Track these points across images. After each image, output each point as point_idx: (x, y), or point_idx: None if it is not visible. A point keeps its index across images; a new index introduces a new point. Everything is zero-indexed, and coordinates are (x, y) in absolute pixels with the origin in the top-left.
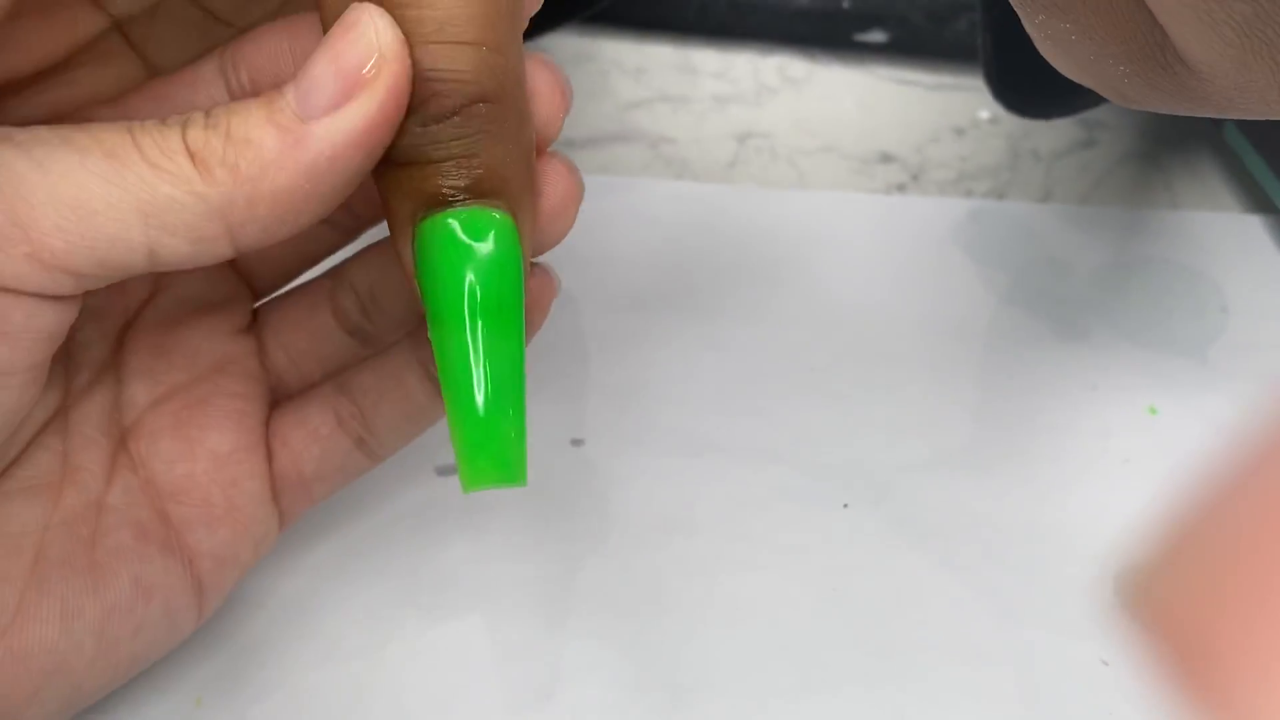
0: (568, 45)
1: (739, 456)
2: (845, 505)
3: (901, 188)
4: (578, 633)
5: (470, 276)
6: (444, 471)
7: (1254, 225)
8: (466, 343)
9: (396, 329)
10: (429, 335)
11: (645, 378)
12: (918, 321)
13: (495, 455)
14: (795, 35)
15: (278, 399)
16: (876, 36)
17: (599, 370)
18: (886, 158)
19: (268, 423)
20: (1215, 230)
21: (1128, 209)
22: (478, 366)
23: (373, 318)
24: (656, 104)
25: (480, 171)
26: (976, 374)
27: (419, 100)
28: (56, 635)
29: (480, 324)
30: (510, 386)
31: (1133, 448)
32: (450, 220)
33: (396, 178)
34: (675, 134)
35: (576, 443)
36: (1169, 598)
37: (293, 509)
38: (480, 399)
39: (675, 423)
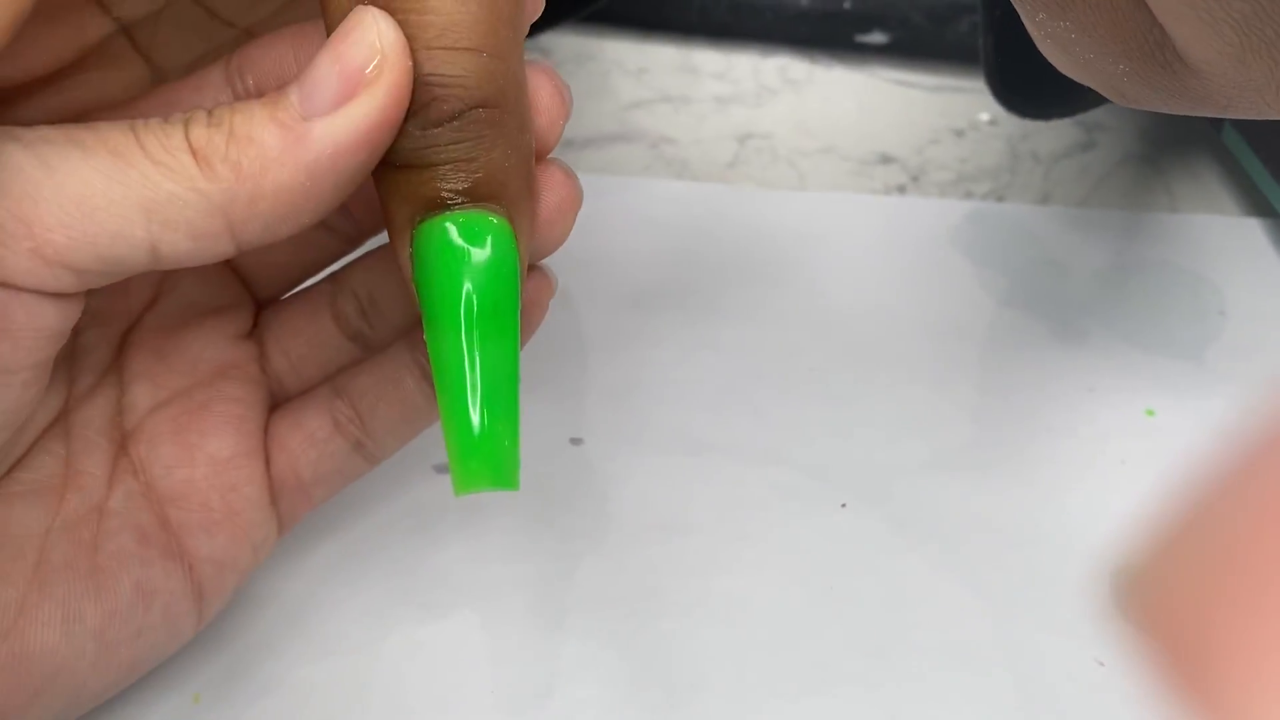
0: (569, 45)
1: (737, 456)
2: (843, 505)
3: (901, 189)
4: (575, 631)
5: (466, 280)
6: (441, 469)
7: (1252, 228)
8: (461, 346)
9: (397, 334)
10: (424, 338)
11: (644, 377)
12: (916, 323)
13: (488, 459)
14: (796, 36)
15: (276, 403)
16: (877, 38)
17: (598, 369)
18: (886, 159)
19: (266, 427)
20: (1214, 233)
21: (1127, 211)
22: (472, 370)
23: (373, 322)
24: (657, 104)
25: (479, 175)
26: (975, 375)
27: (419, 104)
28: (57, 638)
29: (475, 328)
30: (504, 391)
31: (1130, 449)
32: (448, 224)
33: (396, 181)
34: (676, 134)
35: (575, 442)
36: (1164, 598)
37: (292, 513)
38: (473, 403)
39: (674, 422)
